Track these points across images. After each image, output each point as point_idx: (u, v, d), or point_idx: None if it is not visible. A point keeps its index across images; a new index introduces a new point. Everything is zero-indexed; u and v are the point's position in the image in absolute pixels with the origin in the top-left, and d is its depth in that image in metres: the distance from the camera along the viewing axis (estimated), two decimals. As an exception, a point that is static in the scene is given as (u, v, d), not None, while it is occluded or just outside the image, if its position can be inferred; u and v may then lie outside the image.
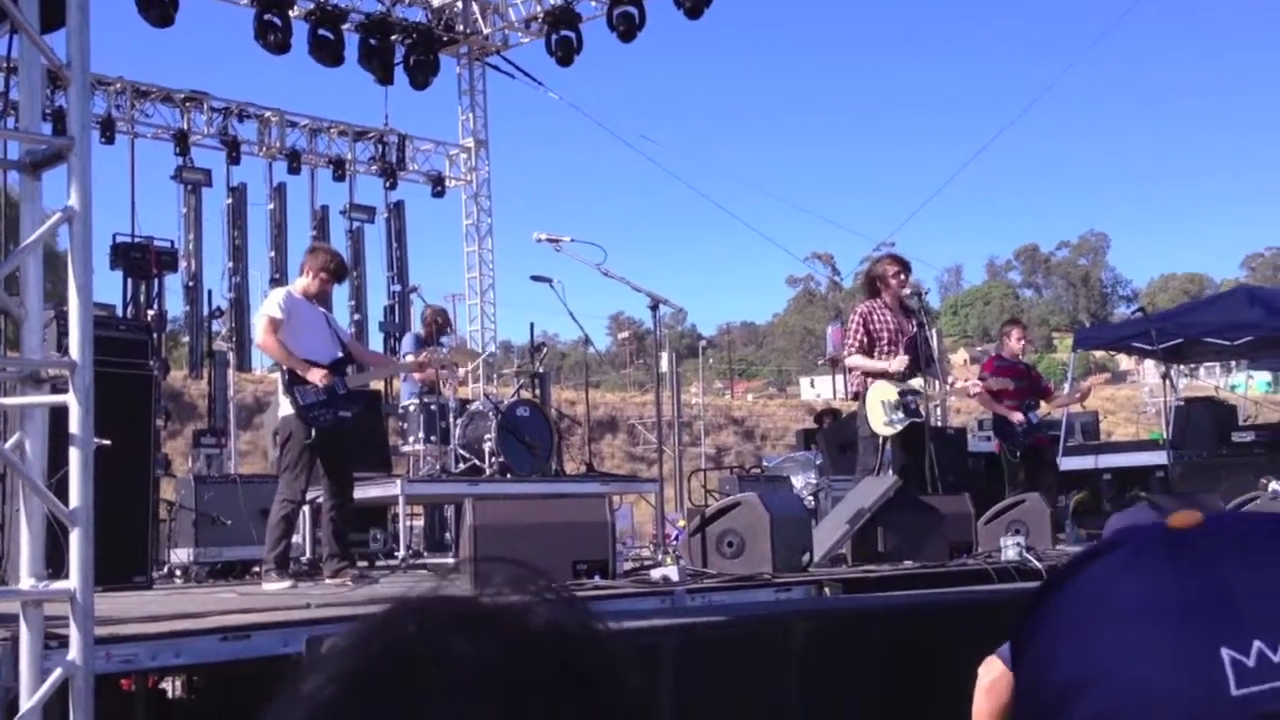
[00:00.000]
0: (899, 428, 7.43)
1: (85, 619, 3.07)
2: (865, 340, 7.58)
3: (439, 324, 10.09)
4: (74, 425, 3.09)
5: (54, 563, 3.25)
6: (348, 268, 7.24)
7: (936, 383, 7.79)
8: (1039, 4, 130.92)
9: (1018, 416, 9.12)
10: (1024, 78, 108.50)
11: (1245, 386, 19.33)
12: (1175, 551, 0.71)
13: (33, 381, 3.19)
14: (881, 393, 7.49)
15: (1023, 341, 9.73)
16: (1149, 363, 18.16)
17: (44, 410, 3.23)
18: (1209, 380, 24.12)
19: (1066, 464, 11.74)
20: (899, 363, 7.45)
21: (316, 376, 6.45)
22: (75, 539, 3.07)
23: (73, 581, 3.05)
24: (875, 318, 7.65)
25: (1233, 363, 19.66)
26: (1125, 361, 42.27)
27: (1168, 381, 12.24)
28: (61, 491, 3.17)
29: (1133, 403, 46.96)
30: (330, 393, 6.49)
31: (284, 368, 6.55)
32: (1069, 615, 0.72)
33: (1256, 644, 0.66)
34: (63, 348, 5.70)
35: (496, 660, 0.59)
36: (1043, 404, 9.56)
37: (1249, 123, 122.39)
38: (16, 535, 3.62)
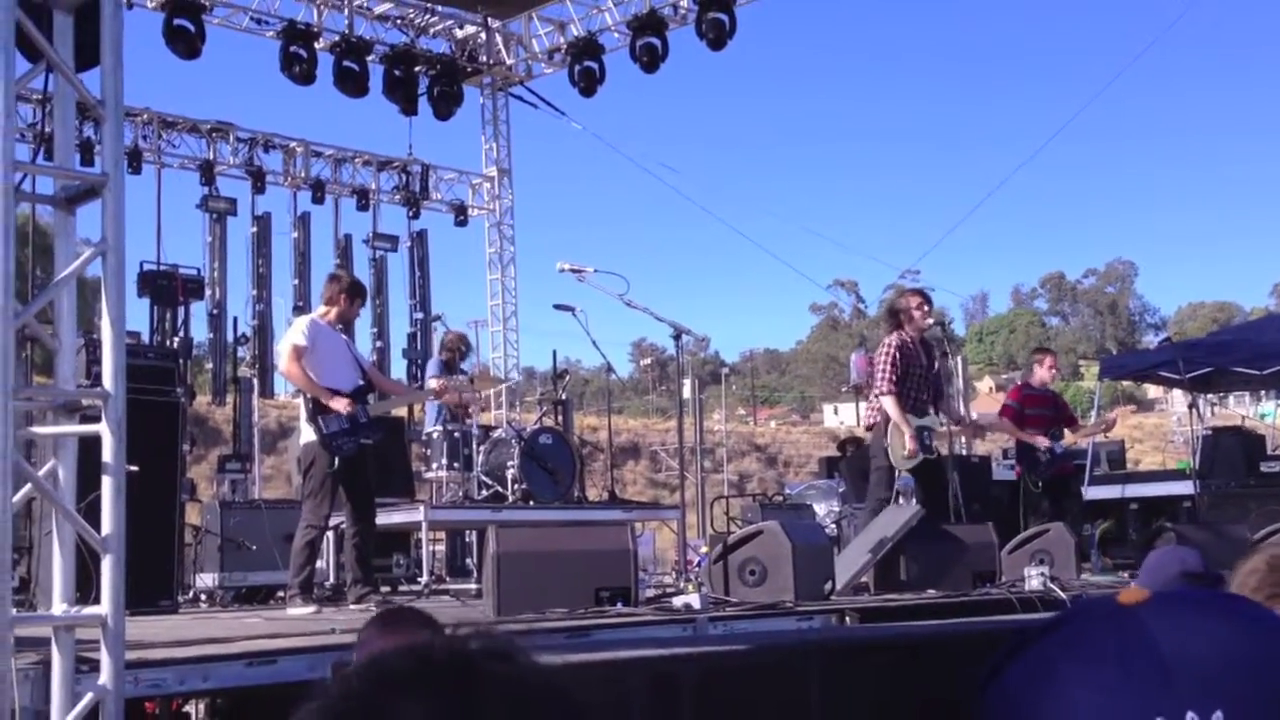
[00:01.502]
0: (915, 463, 7.44)
1: (116, 644, 3.11)
2: (900, 374, 7.54)
3: (461, 350, 10.16)
4: (107, 455, 3.14)
5: (81, 586, 3.30)
6: (365, 289, 7.36)
7: (946, 417, 7.76)
8: (1066, 33, 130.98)
9: (1043, 441, 9.10)
10: (1050, 105, 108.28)
11: (1275, 415, 19.08)
12: (1120, 626, 0.76)
13: (66, 411, 3.25)
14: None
15: (1053, 371, 9.71)
16: (1178, 390, 18.02)
17: (75, 438, 3.29)
18: (1238, 409, 23.89)
19: (1093, 493, 11.64)
20: (912, 445, 7.40)
21: (340, 405, 6.51)
22: (107, 565, 3.12)
23: (104, 607, 3.10)
24: (906, 352, 7.62)
25: (1262, 392, 19.48)
26: (1154, 389, 41.91)
27: (1194, 411, 12.14)
28: (90, 517, 3.22)
29: (1161, 430, 46.52)
30: (353, 421, 6.55)
31: (307, 395, 6.61)
32: (1021, 684, 0.77)
33: (1190, 715, 0.71)
34: (92, 374, 5.80)
35: None
36: (1067, 433, 9.53)
37: (1279, 151, 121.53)
38: (44, 559, 3.67)
